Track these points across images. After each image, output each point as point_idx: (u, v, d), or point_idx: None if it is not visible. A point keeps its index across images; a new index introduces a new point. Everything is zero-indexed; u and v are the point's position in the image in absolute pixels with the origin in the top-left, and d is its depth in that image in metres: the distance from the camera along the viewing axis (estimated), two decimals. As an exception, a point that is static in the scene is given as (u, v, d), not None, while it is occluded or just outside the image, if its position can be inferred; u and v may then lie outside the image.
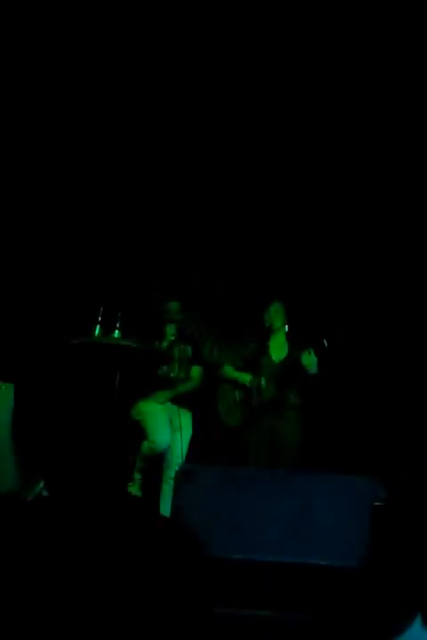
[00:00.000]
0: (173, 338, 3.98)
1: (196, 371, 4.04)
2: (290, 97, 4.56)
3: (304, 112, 4.63)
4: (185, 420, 3.94)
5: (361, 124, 4.62)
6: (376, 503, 2.41)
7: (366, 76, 4.28)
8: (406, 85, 4.19)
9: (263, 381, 3.57)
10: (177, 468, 3.75)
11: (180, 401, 3.97)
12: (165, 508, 3.68)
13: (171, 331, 4.05)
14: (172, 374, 4.00)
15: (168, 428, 3.84)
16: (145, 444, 3.80)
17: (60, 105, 4.59)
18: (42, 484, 2.92)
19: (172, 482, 3.73)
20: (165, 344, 3.97)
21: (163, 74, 4.45)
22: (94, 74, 4.45)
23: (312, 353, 3.48)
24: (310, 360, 3.48)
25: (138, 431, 3.84)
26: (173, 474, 3.74)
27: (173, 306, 4.09)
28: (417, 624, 1.44)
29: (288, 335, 3.85)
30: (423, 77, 4.10)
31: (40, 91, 4.46)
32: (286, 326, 3.85)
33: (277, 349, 3.81)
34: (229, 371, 3.89)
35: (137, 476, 3.83)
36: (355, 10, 3.83)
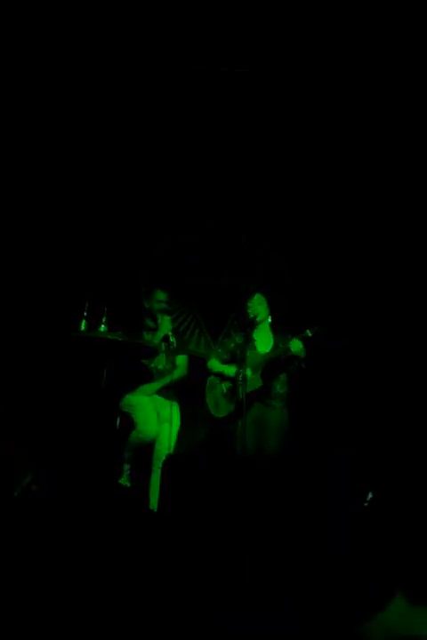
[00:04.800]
0: (164, 331, 3.93)
1: (181, 359, 4.06)
2: (288, 91, 4.60)
3: (302, 107, 4.66)
4: (173, 411, 3.97)
5: (358, 117, 4.66)
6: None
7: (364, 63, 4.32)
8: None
9: (249, 372, 3.60)
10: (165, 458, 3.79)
11: (167, 392, 4.00)
12: (155, 499, 3.71)
13: (151, 323, 4.03)
14: (159, 366, 4.02)
15: (156, 419, 3.87)
16: (133, 434, 3.84)
17: (49, 99, 4.57)
18: (30, 478, 2.94)
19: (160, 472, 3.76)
20: (149, 336, 3.96)
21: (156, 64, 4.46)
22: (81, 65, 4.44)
23: (298, 338, 3.56)
24: (297, 346, 3.55)
25: (126, 423, 3.87)
26: (161, 464, 3.77)
27: (160, 295, 4.06)
28: (398, 601, 1.50)
29: (272, 326, 3.88)
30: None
31: (32, 85, 4.45)
32: (270, 318, 3.87)
33: (262, 341, 3.83)
34: (216, 364, 3.91)
35: (125, 467, 3.86)
36: (355, 10, 3.89)
